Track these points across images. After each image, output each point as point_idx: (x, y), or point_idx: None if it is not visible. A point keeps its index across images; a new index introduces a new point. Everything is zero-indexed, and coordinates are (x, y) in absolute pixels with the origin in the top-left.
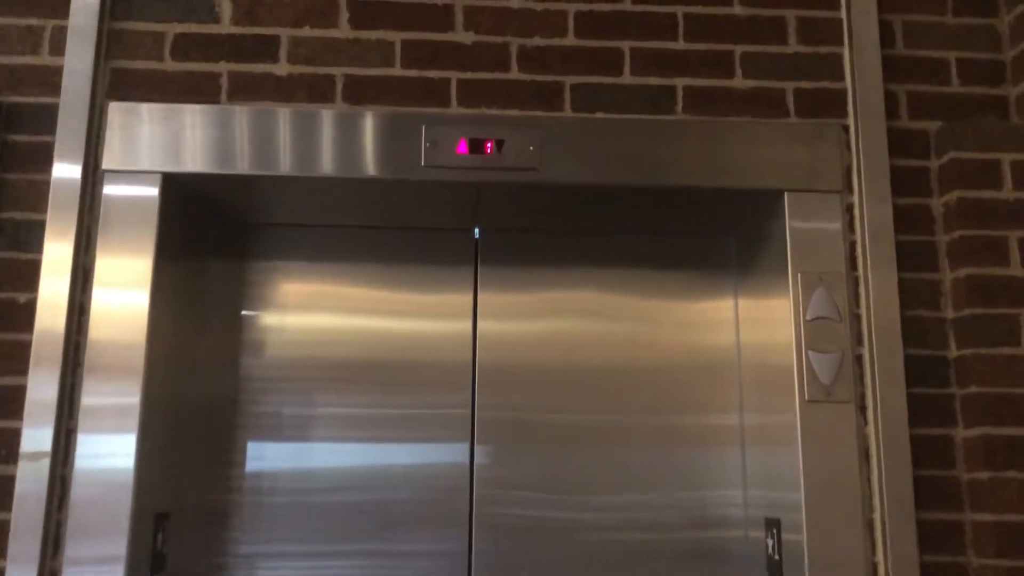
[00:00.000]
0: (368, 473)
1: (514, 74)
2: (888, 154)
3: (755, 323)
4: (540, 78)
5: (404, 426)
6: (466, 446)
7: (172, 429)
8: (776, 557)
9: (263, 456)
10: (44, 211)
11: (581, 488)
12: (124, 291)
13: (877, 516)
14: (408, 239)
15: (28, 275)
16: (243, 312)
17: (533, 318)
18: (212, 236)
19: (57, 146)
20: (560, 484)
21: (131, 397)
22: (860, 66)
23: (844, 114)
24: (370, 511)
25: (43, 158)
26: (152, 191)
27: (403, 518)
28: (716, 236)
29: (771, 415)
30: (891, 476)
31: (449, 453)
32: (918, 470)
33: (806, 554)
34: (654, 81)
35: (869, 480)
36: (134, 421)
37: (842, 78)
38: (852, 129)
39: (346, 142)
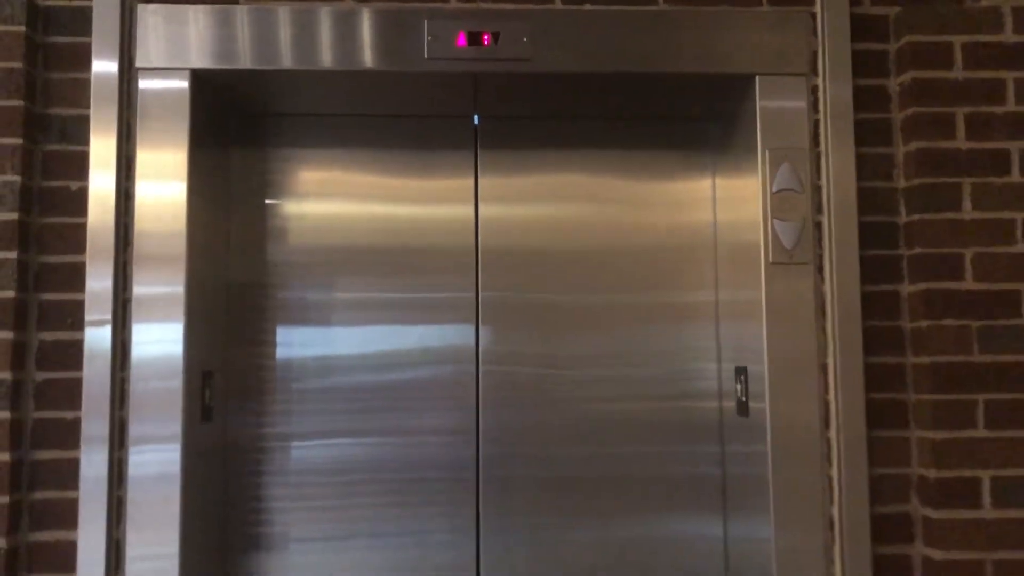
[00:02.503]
0: (383, 355)
1: None
2: (850, 38)
3: (730, 201)
4: None
5: (415, 309)
6: (472, 327)
7: (212, 307)
8: (743, 399)
9: (291, 341)
10: (86, 106)
11: (577, 363)
12: (164, 183)
13: (830, 361)
14: (414, 126)
15: (78, 165)
16: (266, 200)
17: (531, 201)
18: (235, 127)
19: (94, 46)
20: (557, 360)
21: (177, 276)
22: None
23: (811, 2)
24: (386, 391)
25: (82, 57)
26: (183, 86)
27: (417, 397)
28: (697, 119)
29: (742, 289)
30: (844, 326)
31: (456, 335)
32: (868, 321)
33: (767, 393)
34: None
35: (825, 330)
36: (181, 293)
37: None
38: (818, 15)
39: (355, 37)
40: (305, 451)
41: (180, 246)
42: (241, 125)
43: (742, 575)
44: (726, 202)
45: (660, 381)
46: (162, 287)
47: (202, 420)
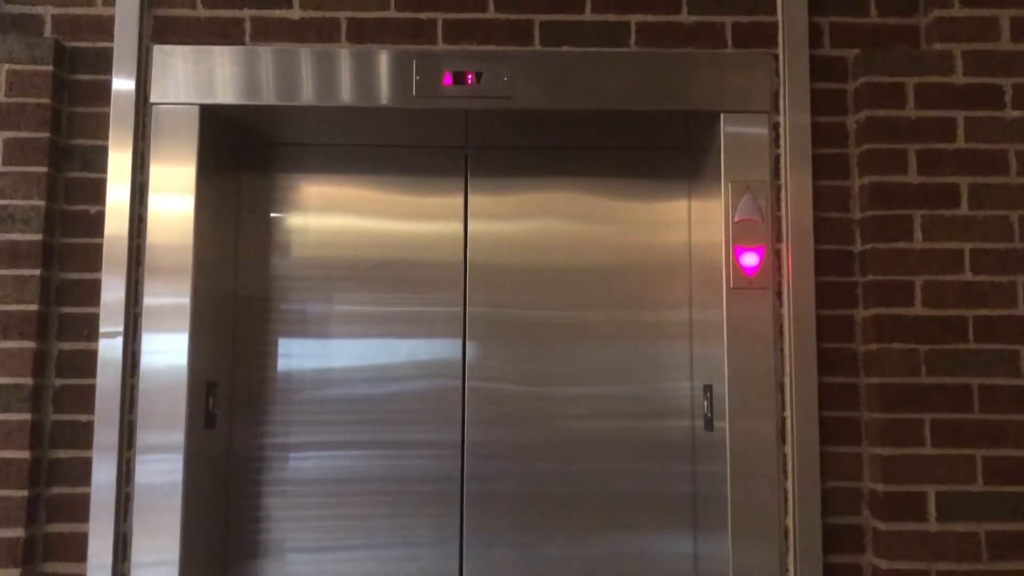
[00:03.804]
0: (376, 368)
1: (491, 14)
2: (810, 79)
3: (704, 223)
4: (513, 16)
5: (406, 323)
6: (459, 342)
7: (218, 319)
8: (709, 415)
9: (291, 352)
10: (106, 138)
11: (559, 380)
12: (174, 198)
13: (787, 380)
14: (408, 156)
15: (96, 191)
16: (271, 215)
17: (517, 218)
18: (242, 155)
19: (114, 83)
20: (540, 377)
21: (183, 286)
22: (788, 1)
23: (774, 44)
24: (378, 404)
25: (103, 93)
26: (192, 117)
27: (407, 410)
28: (671, 150)
29: (711, 309)
30: (800, 348)
31: (444, 348)
32: (823, 343)
33: (727, 408)
34: (611, 18)
35: (782, 351)
36: (187, 305)
37: (774, 12)
38: (780, 57)
39: (350, 76)
40: (302, 461)
41: (187, 260)
42: (248, 153)
43: None
44: (701, 223)
45: (637, 399)
46: (170, 298)
47: (205, 427)
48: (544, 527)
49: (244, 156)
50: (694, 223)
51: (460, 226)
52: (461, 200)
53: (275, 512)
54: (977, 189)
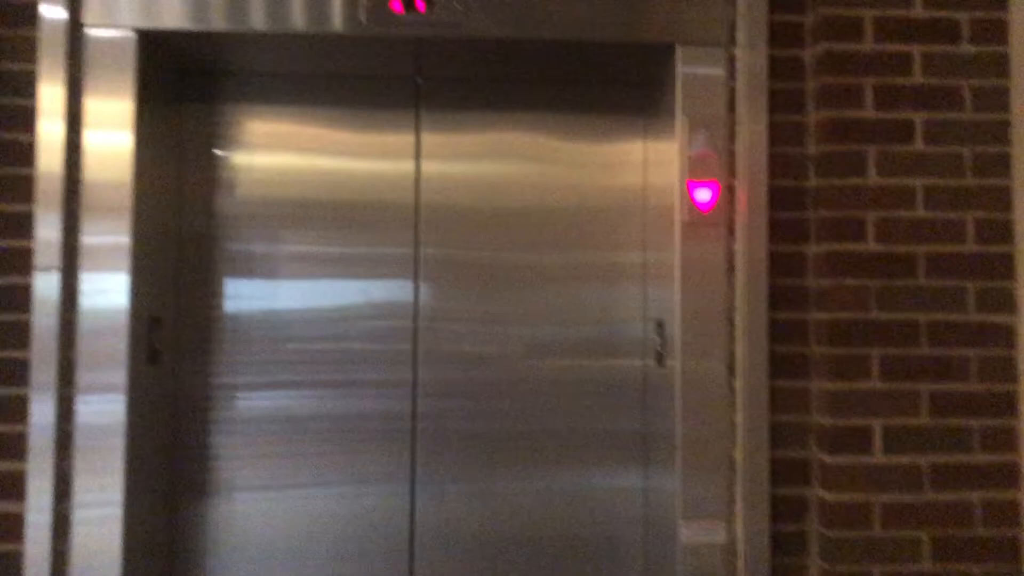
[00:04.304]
0: (326, 310)
1: None
2: (768, 11)
3: (660, 164)
4: None
5: (357, 264)
6: (410, 283)
7: (161, 257)
8: (660, 350)
9: (239, 293)
10: (35, 61)
11: (511, 320)
12: (111, 132)
13: (738, 316)
14: (358, 88)
15: (26, 118)
16: (217, 151)
17: (470, 160)
18: (185, 84)
19: (41, 3)
20: (492, 317)
21: (122, 224)
22: None
23: None
24: (329, 345)
25: (30, 14)
26: (129, 42)
27: (358, 351)
28: (627, 85)
29: (664, 250)
30: (751, 284)
31: (396, 290)
32: (774, 279)
33: (678, 343)
34: None
35: (733, 286)
36: (127, 244)
37: None
38: None
39: (299, 1)
40: (252, 401)
41: (126, 197)
42: (192, 82)
43: (655, 517)
44: (656, 165)
45: (590, 339)
46: (109, 237)
47: (149, 362)
48: (496, 464)
49: (187, 86)
50: (650, 164)
51: (412, 165)
52: (413, 139)
53: (224, 451)
54: (931, 125)
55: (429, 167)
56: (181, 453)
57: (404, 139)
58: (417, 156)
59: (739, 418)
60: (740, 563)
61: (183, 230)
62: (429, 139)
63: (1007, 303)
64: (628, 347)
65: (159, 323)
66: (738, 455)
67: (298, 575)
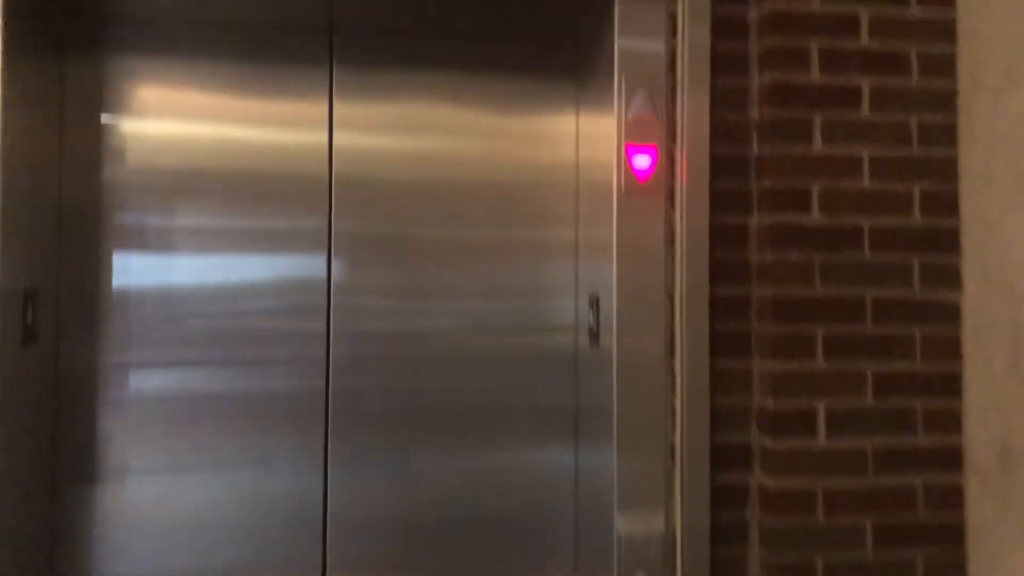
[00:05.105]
0: (227, 286)
1: None
2: None
3: (592, 139)
4: None
5: (265, 239)
6: (323, 257)
7: (37, 225)
8: (595, 328)
9: (129, 267)
10: None
11: (432, 296)
12: None
13: (677, 292)
14: (265, 41)
15: None
16: (103, 115)
17: (387, 133)
18: (67, 31)
19: None
20: (412, 293)
21: None
22: None
23: None
24: (232, 321)
25: None
26: None
27: (265, 328)
28: (559, 45)
29: (598, 224)
30: (692, 257)
31: (307, 265)
32: (716, 252)
33: (614, 321)
34: None
35: (672, 260)
36: None
37: None
38: None
39: None
40: (143, 379)
41: None
42: (74, 30)
43: (587, 502)
44: (589, 140)
45: (517, 315)
46: None
47: (24, 342)
48: (417, 442)
49: (67, 34)
50: (583, 139)
51: (324, 136)
52: (326, 108)
53: (113, 434)
54: (878, 92)
55: (343, 139)
56: (65, 436)
57: (317, 109)
58: (330, 127)
59: (678, 401)
60: (679, 554)
61: (63, 197)
62: (344, 110)
63: (952, 279)
64: (557, 323)
65: (35, 297)
66: (678, 440)
67: (198, 565)
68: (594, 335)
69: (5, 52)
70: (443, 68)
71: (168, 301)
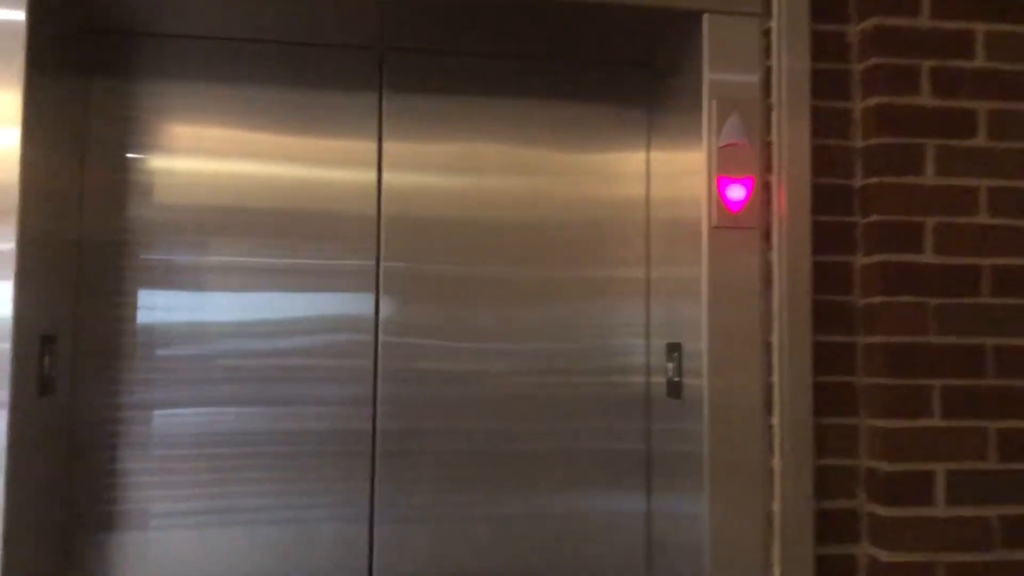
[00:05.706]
0: (268, 323)
1: None
2: None
3: (667, 176)
4: None
5: (308, 276)
6: (371, 296)
7: (56, 266)
8: (676, 379)
9: (154, 304)
10: None
11: (485, 338)
12: None
13: (776, 338)
14: (312, 64)
15: None
16: (127, 149)
17: (441, 172)
18: (91, 56)
19: None
20: (465, 333)
21: (6, 230)
22: None
23: None
24: (272, 360)
25: None
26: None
27: (306, 367)
28: (630, 72)
29: (678, 264)
30: (792, 300)
31: (354, 303)
32: (818, 295)
33: (705, 369)
34: None
35: (770, 302)
36: (12, 250)
37: None
38: None
39: None
40: (170, 421)
41: (11, 199)
42: (99, 52)
43: (667, 550)
44: (661, 176)
45: (576, 356)
46: None
47: (40, 393)
48: (470, 489)
49: (93, 57)
50: (654, 176)
51: (374, 175)
52: (375, 141)
53: (134, 478)
54: (996, 116)
55: (393, 177)
56: (81, 482)
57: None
58: (379, 164)
59: (777, 462)
60: None
61: (84, 234)
62: (394, 147)
63: None
64: (624, 366)
65: (53, 344)
66: (776, 505)
67: None
68: (674, 386)
69: (28, 83)
70: (499, 93)
71: (198, 339)
